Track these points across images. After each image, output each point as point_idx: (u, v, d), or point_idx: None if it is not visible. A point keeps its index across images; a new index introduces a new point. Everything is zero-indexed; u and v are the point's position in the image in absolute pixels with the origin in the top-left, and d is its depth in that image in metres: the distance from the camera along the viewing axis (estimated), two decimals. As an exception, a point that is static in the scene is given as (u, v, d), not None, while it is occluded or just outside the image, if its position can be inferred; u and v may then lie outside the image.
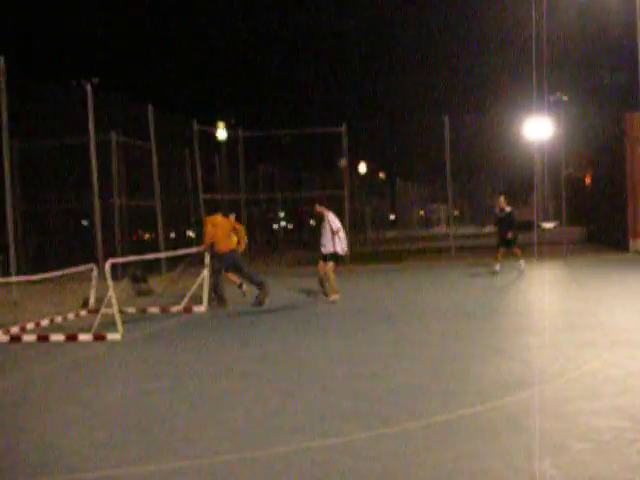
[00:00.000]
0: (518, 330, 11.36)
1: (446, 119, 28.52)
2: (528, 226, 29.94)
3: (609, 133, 29.91)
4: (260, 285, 15.44)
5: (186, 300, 15.35)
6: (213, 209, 16.91)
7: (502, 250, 20.31)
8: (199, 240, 25.59)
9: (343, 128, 28.56)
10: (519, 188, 51.03)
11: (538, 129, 28.50)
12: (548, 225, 38.50)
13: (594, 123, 30.41)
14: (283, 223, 43.69)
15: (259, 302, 15.27)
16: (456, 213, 58.87)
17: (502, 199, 20.49)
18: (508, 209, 20.20)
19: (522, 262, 20.16)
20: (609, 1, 28.30)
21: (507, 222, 20.10)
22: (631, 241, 27.01)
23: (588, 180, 36.61)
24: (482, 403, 7.11)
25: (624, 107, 28.27)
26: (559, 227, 35.19)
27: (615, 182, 29.20)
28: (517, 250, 20.24)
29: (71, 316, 14.83)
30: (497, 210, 20.55)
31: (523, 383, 7.79)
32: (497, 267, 20.13)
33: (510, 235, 19.96)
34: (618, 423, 6.29)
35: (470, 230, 50.53)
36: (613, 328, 11.08)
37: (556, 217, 45.17)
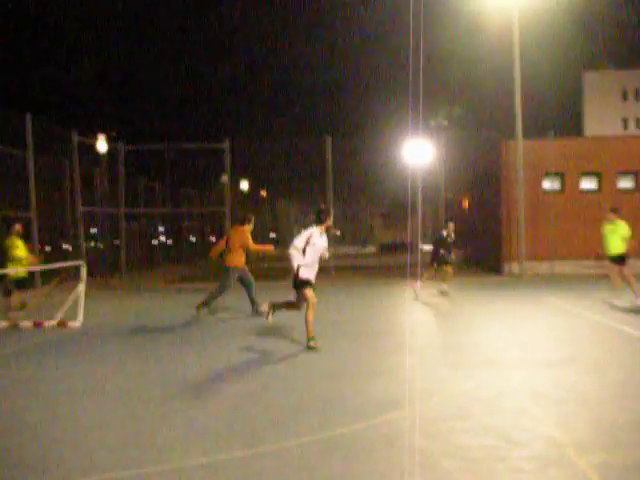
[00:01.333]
0: (395, 350, 11.50)
1: (328, 140, 28.76)
2: (405, 248, 30.38)
3: (486, 159, 30.82)
4: (207, 302, 15.81)
5: (60, 314, 14.97)
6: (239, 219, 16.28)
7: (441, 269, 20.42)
8: (77, 253, 25.01)
9: (226, 144, 28.48)
10: (398, 210, 51.85)
11: (418, 153, 29.10)
12: (426, 247, 39.23)
13: (472, 149, 31.25)
14: (162, 238, 43.22)
15: (198, 308, 15.76)
16: (338, 233, 59.36)
17: (452, 226, 20.53)
18: (453, 235, 20.43)
19: (445, 285, 20.34)
20: (489, 29, 29.15)
21: (450, 246, 20.26)
22: (505, 265, 27.89)
23: (466, 204, 37.61)
24: (358, 422, 7.16)
25: (501, 134, 29.18)
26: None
27: (491, 207, 30.10)
28: (445, 272, 20.31)
29: (-63, 330, 14.26)
30: (445, 234, 20.38)
31: (398, 402, 7.89)
32: (445, 286, 20.26)
33: (453, 257, 20.47)
34: (489, 442, 6.43)
35: (351, 250, 51.02)
36: (487, 348, 11.37)
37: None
